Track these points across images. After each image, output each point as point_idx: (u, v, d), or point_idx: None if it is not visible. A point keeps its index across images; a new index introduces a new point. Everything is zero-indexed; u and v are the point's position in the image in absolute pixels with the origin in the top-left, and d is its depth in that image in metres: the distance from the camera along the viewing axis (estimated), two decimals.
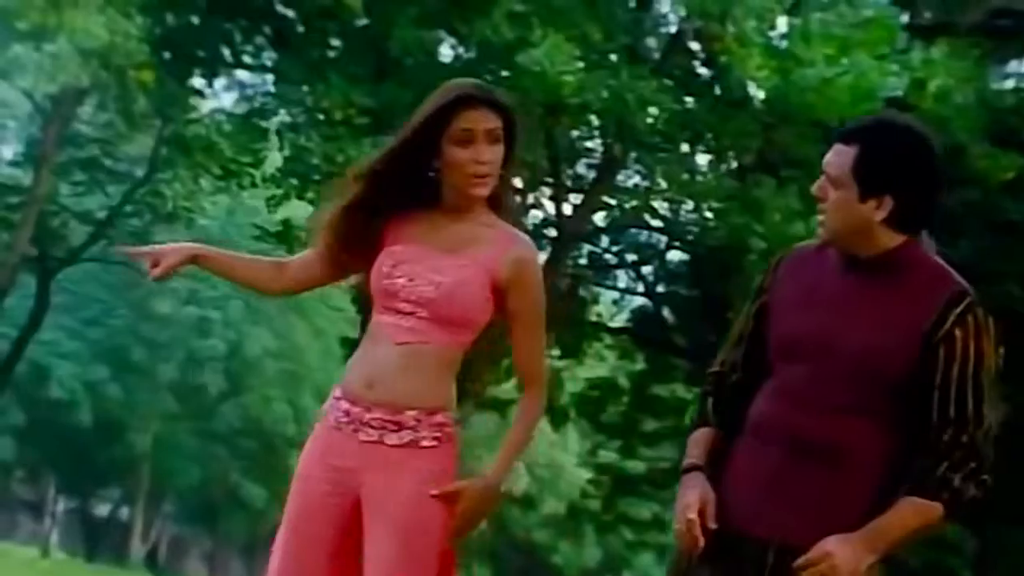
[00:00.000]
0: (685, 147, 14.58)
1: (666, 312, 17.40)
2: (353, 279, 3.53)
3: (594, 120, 14.00)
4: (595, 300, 17.79)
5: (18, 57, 17.72)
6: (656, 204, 15.30)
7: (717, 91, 13.91)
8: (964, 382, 2.98)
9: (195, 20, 13.64)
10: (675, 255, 16.84)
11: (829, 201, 3.04)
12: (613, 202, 15.34)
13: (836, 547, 2.93)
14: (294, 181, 13.42)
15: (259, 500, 34.07)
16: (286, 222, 14.22)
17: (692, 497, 3.06)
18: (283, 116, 13.93)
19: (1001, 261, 13.29)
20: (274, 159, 14.05)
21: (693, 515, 3.02)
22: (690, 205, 15.05)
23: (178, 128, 13.95)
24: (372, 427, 3.26)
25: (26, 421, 34.13)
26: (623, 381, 18.54)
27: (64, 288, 27.44)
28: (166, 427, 35.18)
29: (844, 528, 2.96)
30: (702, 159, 15.08)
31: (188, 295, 33.75)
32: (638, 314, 18.15)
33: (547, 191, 15.19)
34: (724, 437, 3.17)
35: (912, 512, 2.98)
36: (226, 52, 14.08)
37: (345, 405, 3.30)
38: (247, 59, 14.44)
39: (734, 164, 14.72)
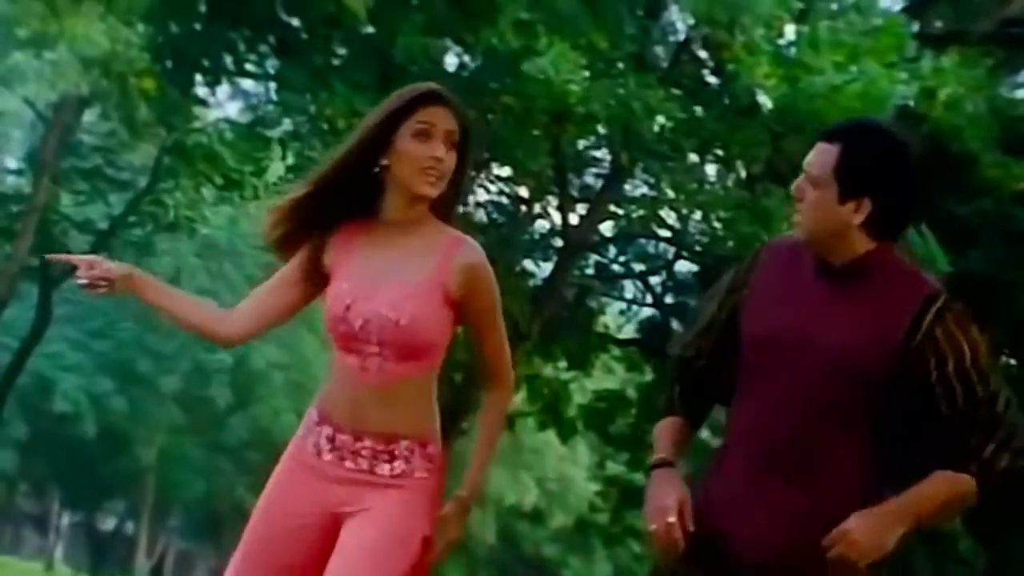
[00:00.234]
0: (693, 156, 14.48)
1: (675, 323, 17.26)
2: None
3: (601, 129, 13.89)
4: (602, 311, 17.69)
5: (18, 65, 17.63)
6: (664, 214, 15.21)
7: (725, 100, 13.80)
8: (965, 373, 2.93)
9: (197, 27, 13.52)
10: (683, 265, 16.72)
11: (807, 201, 2.99)
12: (620, 212, 15.25)
13: (856, 522, 2.87)
14: None
15: None
16: None
17: (670, 499, 3.04)
18: (286, 125, 13.82)
19: (1015, 271, 13.18)
20: (276, 168, 13.94)
21: (673, 518, 2.99)
22: (698, 215, 14.94)
23: (179, 137, 13.84)
24: (362, 456, 3.14)
25: (30, 434, 34.02)
26: (631, 393, 18.42)
27: (68, 299, 27.31)
28: (171, 440, 35.08)
29: (819, 541, 2.90)
30: (710, 168, 14.99)
31: None
32: (646, 325, 18.03)
33: (553, 201, 15.11)
34: (690, 425, 3.21)
35: (943, 482, 2.92)
36: (228, 60, 13.97)
37: (328, 431, 3.16)
38: (250, 67, 14.33)
39: (743, 173, 14.60)
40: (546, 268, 15.12)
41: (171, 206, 20.60)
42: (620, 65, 13.15)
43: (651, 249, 16.93)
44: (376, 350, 3.10)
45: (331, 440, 3.13)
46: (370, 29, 13.49)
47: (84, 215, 24.08)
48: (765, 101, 13.54)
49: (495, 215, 15.46)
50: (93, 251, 23.43)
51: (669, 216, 15.35)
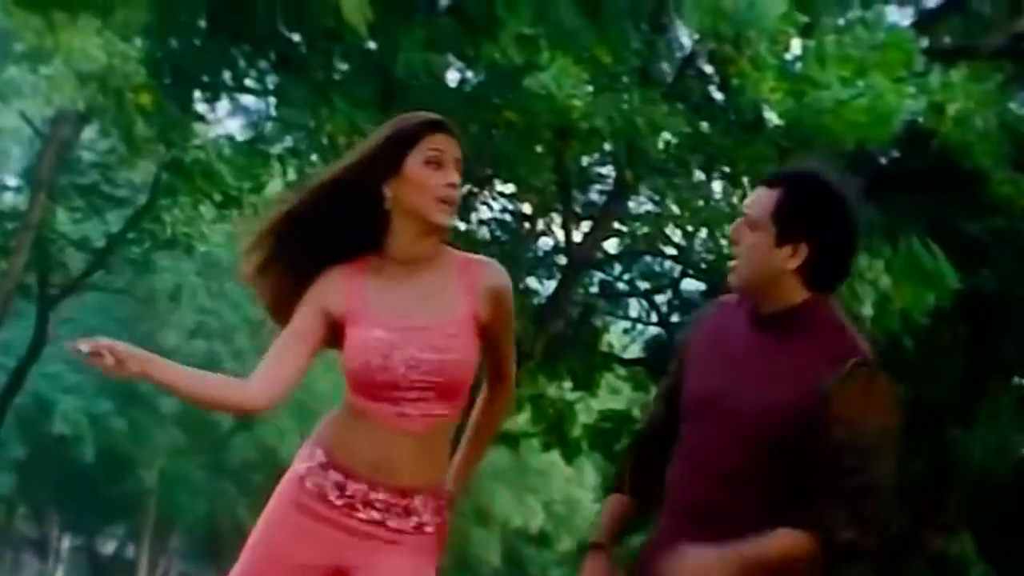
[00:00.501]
0: (699, 173, 14.36)
1: None
2: None
3: (605, 145, 13.77)
4: (606, 329, 17.56)
5: (13, 79, 17.53)
6: (669, 231, 15.11)
7: (731, 115, 13.69)
8: (848, 442, 2.93)
9: (197, 43, 13.40)
10: (689, 284, 16.60)
11: (744, 244, 3.00)
12: (625, 229, 15.15)
13: (690, 550, 2.93)
14: None
15: None
16: None
17: None
18: (287, 141, 13.70)
19: None
20: (275, 185, 13.81)
21: None
22: (704, 232, 14.82)
23: (177, 154, 13.71)
24: (375, 508, 3.07)
25: (29, 456, 33.87)
26: (637, 413, 18.27)
27: (68, 320, 27.21)
28: (173, 461, 34.96)
29: None
30: (716, 185, 14.85)
31: (195, 327, 33.54)
32: (652, 344, 17.90)
33: (557, 218, 15.02)
34: (636, 503, 3.27)
35: (779, 537, 2.95)
36: (228, 76, 13.85)
37: (337, 477, 3.07)
38: (250, 83, 14.21)
39: (749, 190, 14.45)
40: (550, 286, 15.02)
41: (168, 223, 20.48)
42: (624, 80, 13.06)
43: (656, 267, 16.84)
44: (416, 396, 3.06)
45: (340, 487, 3.07)
46: (371, 44, 13.37)
47: (81, 232, 24.01)
48: (771, 116, 13.41)
49: (498, 232, 15.35)
50: (90, 269, 23.36)
51: (674, 233, 15.25)
